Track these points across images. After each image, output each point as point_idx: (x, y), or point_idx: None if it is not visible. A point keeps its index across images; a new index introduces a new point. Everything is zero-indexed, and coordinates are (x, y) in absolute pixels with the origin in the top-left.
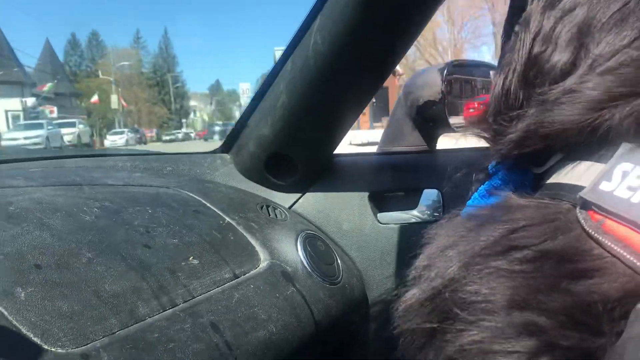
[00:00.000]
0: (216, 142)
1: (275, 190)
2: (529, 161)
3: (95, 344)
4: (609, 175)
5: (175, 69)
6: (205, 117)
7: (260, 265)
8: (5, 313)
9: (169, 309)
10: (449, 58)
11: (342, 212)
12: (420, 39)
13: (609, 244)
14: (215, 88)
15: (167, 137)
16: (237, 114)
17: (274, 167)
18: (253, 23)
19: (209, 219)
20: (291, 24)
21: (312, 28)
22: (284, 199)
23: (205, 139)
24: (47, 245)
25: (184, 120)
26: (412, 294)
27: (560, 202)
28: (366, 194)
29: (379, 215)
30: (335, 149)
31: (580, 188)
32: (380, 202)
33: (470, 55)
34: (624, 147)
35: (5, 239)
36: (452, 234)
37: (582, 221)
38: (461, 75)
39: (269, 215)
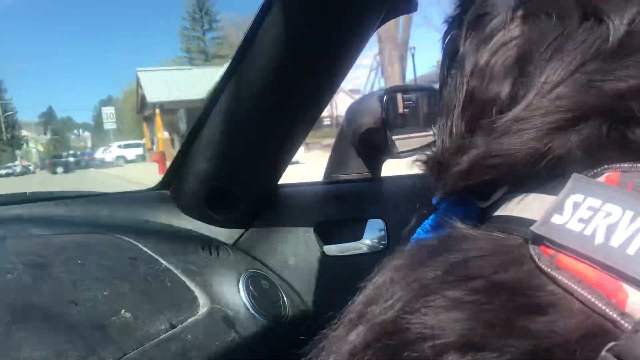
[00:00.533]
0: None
1: (218, 226)
2: (474, 195)
3: None
4: (561, 207)
5: (4, 96)
6: (40, 148)
7: (200, 312)
8: None
9: None
10: None
11: (288, 245)
12: None
13: (563, 279)
14: (49, 116)
15: (3, 172)
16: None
17: (215, 203)
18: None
19: (145, 265)
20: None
21: (244, 63)
22: (227, 235)
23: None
24: None
25: (17, 152)
26: (357, 334)
27: (510, 236)
28: (311, 226)
29: (325, 247)
30: (277, 180)
31: (530, 221)
32: (326, 233)
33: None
34: (574, 178)
35: None
36: (399, 267)
37: (535, 256)
38: (401, 101)
39: (210, 254)
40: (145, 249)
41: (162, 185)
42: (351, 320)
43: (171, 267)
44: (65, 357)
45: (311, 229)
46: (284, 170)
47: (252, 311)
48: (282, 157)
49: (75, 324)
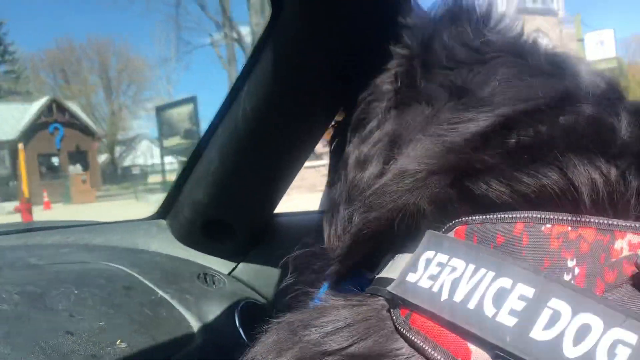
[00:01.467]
0: None
1: (214, 255)
2: (365, 267)
3: None
4: (415, 265)
5: None
6: None
7: (195, 343)
8: None
9: None
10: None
11: (285, 275)
12: None
13: (414, 340)
14: None
15: None
16: None
17: (211, 232)
18: None
19: (140, 295)
20: None
21: (240, 95)
22: (223, 265)
23: None
24: None
25: None
26: None
27: (376, 299)
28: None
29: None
30: (273, 210)
31: (392, 281)
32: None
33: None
34: (428, 234)
35: None
36: (277, 339)
37: (393, 317)
38: None
39: (206, 284)
40: (140, 278)
41: (159, 214)
42: None
43: (167, 297)
44: None
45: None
46: (279, 200)
47: (248, 341)
48: (277, 187)
49: (69, 355)
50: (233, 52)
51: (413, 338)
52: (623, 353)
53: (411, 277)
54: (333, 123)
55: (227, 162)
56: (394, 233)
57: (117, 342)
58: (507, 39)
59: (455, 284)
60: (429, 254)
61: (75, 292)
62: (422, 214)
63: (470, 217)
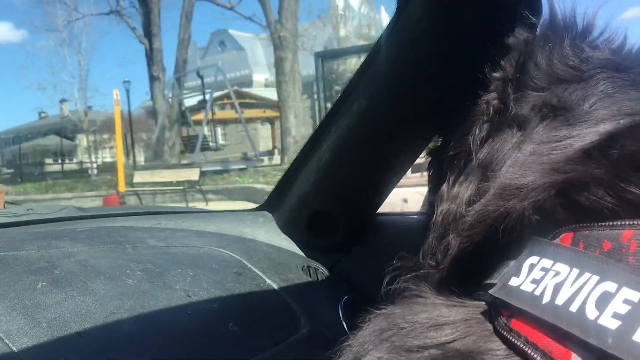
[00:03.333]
0: None
1: (317, 249)
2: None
3: None
4: (518, 270)
5: None
6: None
7: (301, 331)
8: None
9: None
10: None
11: (384, 274)
12: None
13: (514, 341)
14: None
15: None
16: None
17: (316, 227)
18: None
19: (250, 281)
20: None
21: (355, 92)
22: (325, 260)
23: None
24: (90, 311)
25: None
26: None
27: (478, 302)
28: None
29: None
30: (378, 208)
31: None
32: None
33: None
34: (532, 241)
35: (49, 304)
36: (377, 328)
37: (494, 319)
38: None
39: (310, 276)
40: (249, 265)
41: (266, 206)
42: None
43: (274, 285)
44: None
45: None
46: (385, 198)
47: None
48: (383, 187)
49: (189, 331)
50: None
51: (513, 340)
52: None
53: (514, 282)
54: (430, 147)
55: (338, 158)
56: (498, 243)
57: (230, 325)
58: (607, 53)
59: (558, 288)
60: (533, 259)
61: (191, 273)
62: (527, 223)
63: (576, 225)
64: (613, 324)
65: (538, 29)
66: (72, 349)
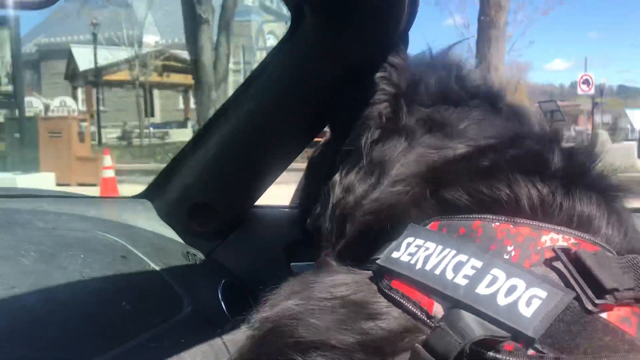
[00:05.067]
0: None
1: (195, 236)
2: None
3: None
4: (399, 246)
5: None
6: None
7: (185, 311)
8: None
9: (109, 351)
10: None
11: (258, 261)
12: None
13: (393, 296)
14: None
15: None
16: None
17: (195, 215)
18: None
19: (135, 264)
20: None
21: (247, 93)
22: (202, 246)
23: None
24: None
25: None
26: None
27: (368, 271)
28: (280, 245)
29: (292, 265)
30: (255, 201)
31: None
32: (293, 253)
33: None
34: (409, 226)
35: None
36: (291, 288)
37: (378, 281)
38: None
39: (190, 261)
40: (133, 249)
41: (146, 194)
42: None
43: (157, 269)
44: (83, 336)
45: (280, 248)
46: (262, 193)
47: (229, 314)
48: (262, 182)
49: (86, 309)
50: None
51: (392, 295)
52: (536, 303)
53: (395, 255)
54: (321, 139)
55: (224, 153)
56: (384, 229)
57: (123, 304)
58: (481, 87)
59: (427, 258)
60: (410, 239)
61: (82, 256)
62: (407, 213)
63: (441, 216)
64: (463, 282)
65: (429, 58)
66: None
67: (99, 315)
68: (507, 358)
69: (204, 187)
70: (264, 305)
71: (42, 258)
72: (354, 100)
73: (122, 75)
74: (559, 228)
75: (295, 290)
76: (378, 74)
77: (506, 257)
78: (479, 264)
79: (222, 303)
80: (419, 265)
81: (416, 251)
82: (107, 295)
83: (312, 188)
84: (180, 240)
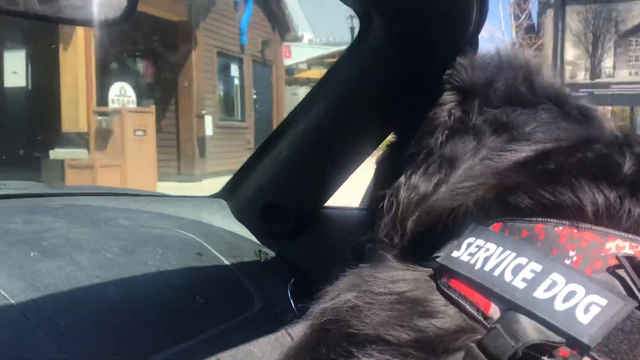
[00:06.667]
0: None
1: (267, 236)
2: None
3: None
4: (459, 246)
5: None
6: None
7: (255, 308)
8: (50, 343)
9: (180, 343)
10: None
11: (327, 262)
12: None
13: (451, 294)
14: None
15: None
16: None
17: (268, 215)
18: None
19: (210, 261)
20: None
21: (315, 99)
22: (274, 246)
23: None
24: (77, 279)
25: None
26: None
27: (428, 269)
28: (349, 246)
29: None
30: (324, 203)
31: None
32: (361, 254)
33: None
34: (470, 227)
35: (43, 272)
36: (348, 281)
37: (437, 279)
38: None
39: (261, 260)
40: (208, 247)
41: (222, 194)
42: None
43: (231, 266)
44: (156, 327)
45: (348, 249)
46: (331, 195)
47: (298, 312)
48: (334, 182)
49: (162, 302)
50: None
51: (450, 294)
52: (594, 310)
53: (455, 254)
54: (387, 142)
55: (295, 154)
56: (445, 228)
57: (197, 298)
58: (550, 89)
59: (487, 259)
60: (471, 239)
61: (160, 251)
62: (469, 214)
63: (505, 218)
64: (521, 285)
65: (499, 59)
66: (65, 311)
67: (173, 308)
68: None
69: (276, 188)
70: (324, 297)
71: (123, 253)
72: (419, 103)
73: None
74: (626, 235)
75: (354, 283)
76: (447, 74)
77: (567, 262)
78: (538, 267)
79: (291, 301)
80: (478, 266)
81: (476, 251)
82: (182, 290)
83: (379, 190)
84: (253, 238)
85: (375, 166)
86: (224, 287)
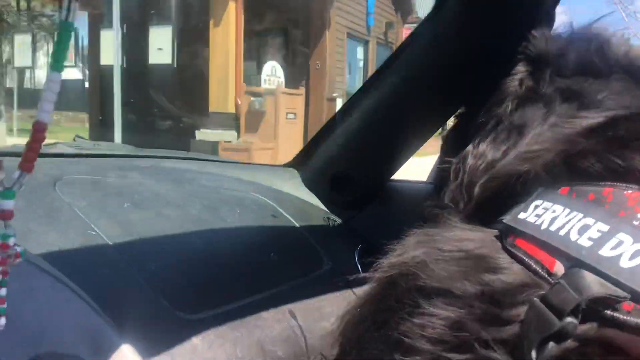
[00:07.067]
0: None
1: (335, 205)
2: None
3: (206, 314)
4: (526, 208)
5: None
6: None
7: (324, 268)
8: (142, 282)
9: (258, 294)
10: None
11: (392, 234)
12: None
13: (516, 253)
14: None
15: None
16: None
17: (336, 185)
18: None
19: (284, 223)
20: None
21: (389, 71)
22: (340, 215)
23: None
24: (166, 230)
25: None
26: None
27: (494, 230)
28: (416, 219)
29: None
30: (393, 174)
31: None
32: (428, 219)
33: None
34: (538, 190)
35: (136, 221)
36: (415, 240)
37: (503, 239)
38: None
39: (330, 226)
40: (282, 210)
41: (293, 163)
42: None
43: (302, 229)
44: (237, 277)
45: (415, 222)
46: (400, 167)
47: (365, 277)
48: (402, 155)
49: (242, 255)
50: None
51: (515, 252)
52: None
53: (522, 215)
54: (456, 114)
55: (366, 125)
56: (513, 193)
57: (271, 255)
58: (622, 59)
59: (553, 220)
60: (538, 202)
61: (238, 211)
62: (537, 178)
63: (573, 182)
64: (587, 244)
65: (573, 31)
66: (154, 256)
67: (250, 262)
68: (625, 317)
69: (346, 159)
70: (391, 254)
71: (206, 210)
72: (490, 74)
73: None
74: None
75: (422, 241)
76: (522, 46)
77: (635, 223)
78: (605, 227)
79: (359, 266)
80: (544, 226)
81: (543, 213)
82: (258, 247)
83: (447, 163)
84: (321, 206)
85: (442, 138)
86: (295, 247)
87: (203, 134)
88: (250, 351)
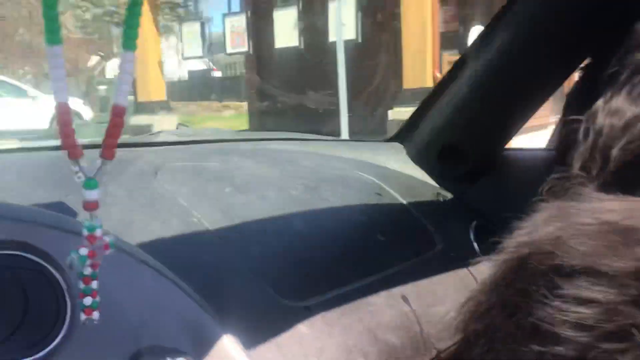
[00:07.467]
0: None
1: (445, 179)
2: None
3: (313, 300)
4: None
5: None
6: None
7: (436, 248)
8: (245, 269)
9: (367, 277)
10: None
11: (510, 207)
12: None
13: None
14: None
15: None
16: None
17: (445, 158)
18: None
19: (389, 201)
20: None
21: (497, 29)
22: (452, 189)
23: None
24: (267, 212)
25: None
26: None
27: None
28: (535, 193)
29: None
30: (505, 144)
31: None
32: (554, 192)
33: None
34: None
35: (237, 205)
36: (547, 214)
37: None
38: None
39: (441, 202)
40: (387, 188)
41: (397, 137)
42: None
43: (409, 207)
44: (343, 261)
45: (534, 196)
46: (513, 135)
47: (481, 255)
48: (514, 124)
49: (348, 237)
50: None
51: None
52: None
53: None
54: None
55: (474, 92)
56: None
57: (377, 235)
58: None
59: None
60: None
61: (340, 190)
62: None
63: None
64: None
65: None
66: (257, 241)
67: (356, 244)
68: None
69: (454, 129)
70: (518, 232)
71: (307, 190)
72: (624, 14)
73: None
74: None
75: (554, 215)
76: None
77: None
78: None
79: (474, 244)
80: None
81: None
82: (363, 227)
83: (572, 124)
84: (430, 181)
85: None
86: (403, 227)
87: (396, 113)
88: (362, 339)
